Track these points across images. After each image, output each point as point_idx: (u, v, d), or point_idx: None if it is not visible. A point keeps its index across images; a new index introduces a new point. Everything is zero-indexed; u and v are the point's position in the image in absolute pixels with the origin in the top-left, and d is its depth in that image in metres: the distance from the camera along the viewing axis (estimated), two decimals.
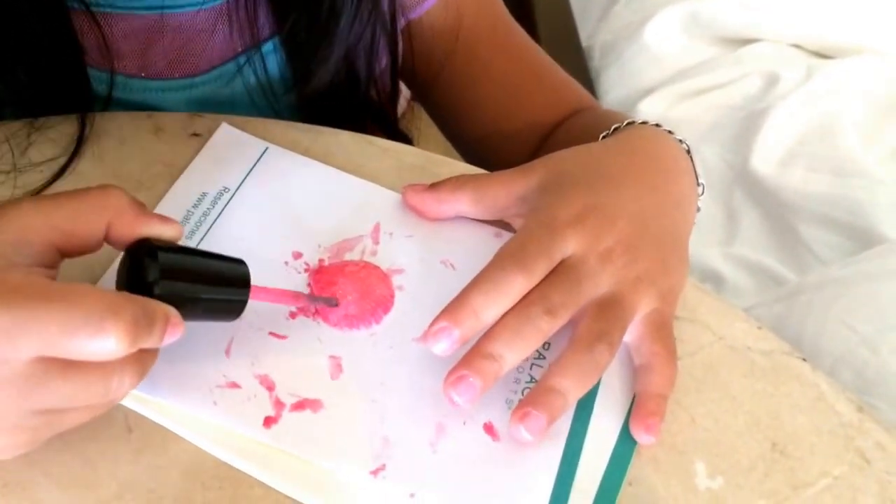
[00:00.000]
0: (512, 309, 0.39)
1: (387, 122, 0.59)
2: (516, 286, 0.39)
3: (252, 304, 0.41)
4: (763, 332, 0.46)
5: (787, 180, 0.83)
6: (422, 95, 0.64)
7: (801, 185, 0.83)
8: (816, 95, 0.89)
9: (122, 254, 0.36)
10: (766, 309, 0.70)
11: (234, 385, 0.39)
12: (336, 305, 0.42)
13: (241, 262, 0.38)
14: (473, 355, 0.38)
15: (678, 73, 0.96)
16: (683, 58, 0.97)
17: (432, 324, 0.39)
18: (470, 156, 0.64)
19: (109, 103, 0.50)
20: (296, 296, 0.40)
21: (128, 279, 0.36)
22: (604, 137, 0.50)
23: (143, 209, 0.37)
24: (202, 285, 0.36)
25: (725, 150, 0.90)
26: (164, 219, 0.37)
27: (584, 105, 0.61)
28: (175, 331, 0.34)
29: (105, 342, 0.31)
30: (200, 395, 0.39)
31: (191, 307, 0.35)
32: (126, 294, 0.33)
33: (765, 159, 0.86)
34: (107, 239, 0.36)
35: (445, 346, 0.38)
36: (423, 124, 0.68)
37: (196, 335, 0.40)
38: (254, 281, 0.38)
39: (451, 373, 0.38)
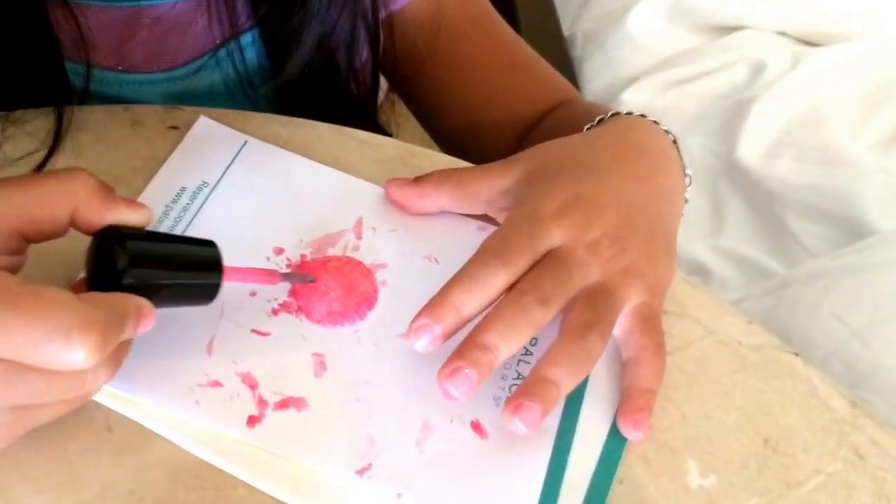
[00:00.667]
0: (505, 299, 0.39)
1: (367, 115, 0.58)
2: (497, 281, 0.39)
3: (234, 301, 0.40)
4: (753, 327, 0.45)
5: (774, 171, 0.83)
6: (402, 88, 0.63)
7: (788, 176, 0.82)
8: (803, 84, 0.89)
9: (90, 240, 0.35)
10: (754, 302, 0.69)
11: (217, 384, 0.38)
12: (313, 281, 0.41)
13: (211, 244, 0.37)
14: (468, 346, 0.37)
15: (662, 62, 0.96)
16: (668, 46, 0.97)
17: (413, 321, 0.38)
18: (451, 149, 0.63)
19: (86, 97, 0.49)
20: (270, 274, 0.39)
21: (96, 267, 0.35)
22: (588, 129, 0.50)
23: (111, 193, 0.36)
24: (173, 271, 0.35)
25: (711, 141, 0.90)
26: (131, 203, 0.36)
27: (568, 98, 0.60)
28: (147, 322, 0.34)
29: (74, 355, 0.30)
30: (182, 394, 0.38)
31: (162, 294, 0.35)
32: (97, 298, 0.32)
33: (751, 149, 0.85)
34: (73, 224, 0.35)
35: (426, 342, 0.38)
36: (402, 118, 0.67)
37: (177, 333, 0.39)
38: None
39: (445, 365, 0.37)
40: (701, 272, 0.79)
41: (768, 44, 0.96)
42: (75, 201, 0.34)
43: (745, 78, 0.92)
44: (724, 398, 0.43)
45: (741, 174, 0.85)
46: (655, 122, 0.50)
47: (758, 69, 0.92)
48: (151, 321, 0.34)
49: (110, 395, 0.37)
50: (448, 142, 0.63)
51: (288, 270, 0.41)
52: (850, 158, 0.81)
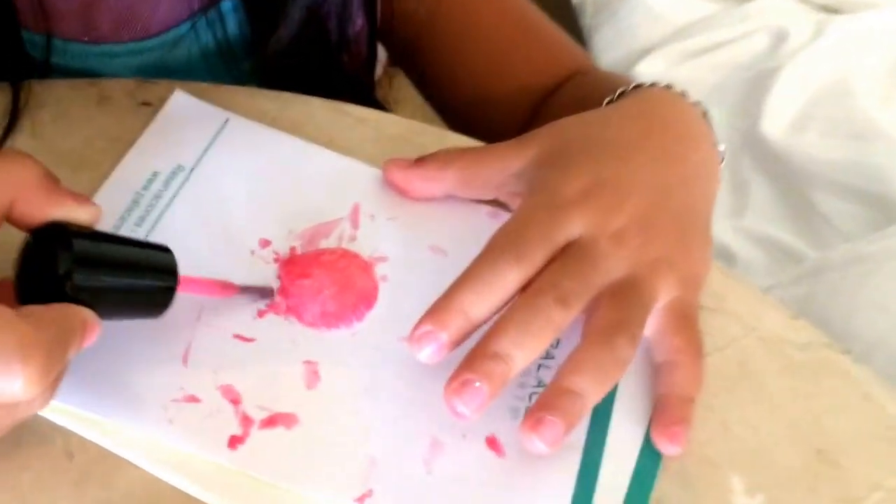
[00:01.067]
0: (518, 300, 0.34)
1: (362, 90, 0.53)
2: (511, 279, 0.34)
3: (213, 302, 0.35)
4: (799, 322, 0.41)
5: (800, 146, 0.78)
6: (403, 58, 0.58)
7: (816, 151, 0.77)
8: (828, 53, 0.84)
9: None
10: (785, 290, 0.65)
11: (193, 399, 0.33)
12: (272, 297, 0.36)
13: (165, 250, 0.33)
14: (478, 356, 0.33)
15: (678, 31, 0.90)
16: (684, 14, 0.91)
17: (415, 327, 0.34)
18: (456, 125, 0.59)
19: (48, 72, 0.44)
20: (224, 286, 0.35)
21: (31, 269, 0.30)
22: (608, 103, 0.45)
23: (56, 185, 0.31)
24: (123, 279, 0.31)
25: (732, 114, 0.85)
26: (79, 198, 0.31)
27: (583, 67, 0.55)
28: (92, 336, 0.30)
29: (11, 385, 0.26)
30: (153, 411, 0.33)
31: (108, 303, 0.30)
32: (39, 315, 0.28)
33: (775, 123, 0.80)
34: (9, 218, 0.30)
35: (431, 352, 0.33)
36: (401, 94, 0.62)
37: (147, 340, 0.34)
38: (218, 274, 0.33)
39: (452, 378, 0.33)
40: (724, 255, 0.74)
41: (789, 11, 0.91)
42: (14, 192, 0.30)
43: (766, 47, 0.87)
44: (769, 404, 0.38)
45: (764, 149, 0.80)
46: (682, 92, 0.45)
47: (779, 38, 0.87)
48: (96, 335, 0.30)
49: (69, 415, 0.32)
50: (454, 117, 0.58)
51: (249, 284, 0.36)
52: (881, 131, 0.76)
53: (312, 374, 0.35)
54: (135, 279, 0.31)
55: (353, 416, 0.34)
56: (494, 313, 0.34)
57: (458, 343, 0.34)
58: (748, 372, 0.39)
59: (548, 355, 0.37)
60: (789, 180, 0.79)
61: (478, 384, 0.32)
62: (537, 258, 0.35)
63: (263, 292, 0.36)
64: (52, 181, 0.31)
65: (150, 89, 0.43)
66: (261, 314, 0.36)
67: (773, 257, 0.73)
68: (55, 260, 0.29)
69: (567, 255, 0.36)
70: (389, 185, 0.41)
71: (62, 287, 0.29)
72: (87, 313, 0.29)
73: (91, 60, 0.46)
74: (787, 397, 0.38)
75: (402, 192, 0.41)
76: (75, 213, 0.31)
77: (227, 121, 0.42)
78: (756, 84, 0.85)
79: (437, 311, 0.34)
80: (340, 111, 0.44)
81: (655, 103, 0.43)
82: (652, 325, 0.37)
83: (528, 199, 0.38)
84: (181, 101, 0.42)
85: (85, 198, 0.31)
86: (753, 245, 0.74)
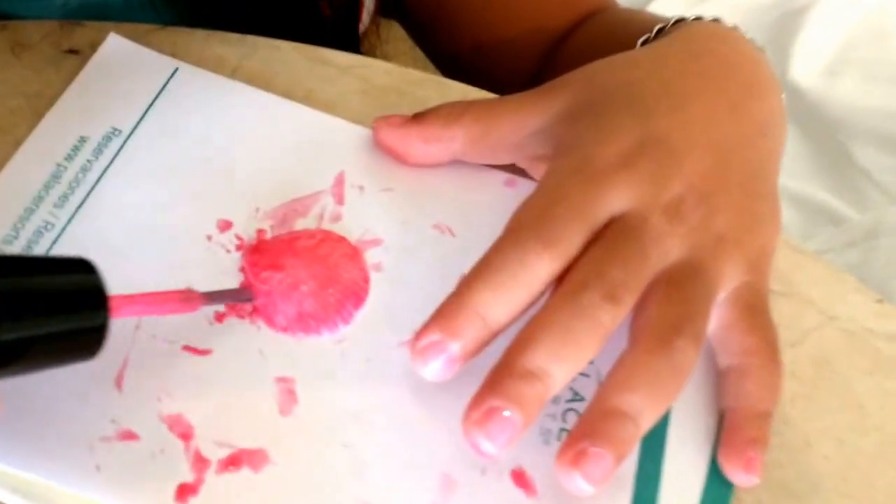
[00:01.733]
0: (554, 298, 0.27)
1: (344, 40, 0.45)
2: (540, 270, 0.27)
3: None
4: (885, 307, 0.33)
5: (836, 93, 0.70)
6: (394, 1, 0.49)
7: (854, 98, 0.70)
8: None
9: None
10: (834, 256, 0.57)
11: (130, 435, 0.26)
12: (250, 300, 0.28)
13: (84, 264, 0.24)
14: (504, 375, 0.26)
15: None
16: None
17: (418, 335, 0.26)
18: (455, 75, 0.50)
19: None
20: (185, 297, 0.26)
21: None
22: (644, 43, 0.37)
23: None
24: (33, 318, 0.22)
25: None
26: None
27: (602, 4, 0.47)
28: None
29: None
30: (75, 455, 0.25)
31: (18, 358, 0.21)
32: None
33: (806, 69, 0.73)
34: None
35: (439, 367, 0.26)
36: (392, 48, 0.54)
37: None
38: (158, 272, 0.25)
39: (473, 405, 0.25)
40: None
41: None
42: None
43: None
44: (857, 412, 0.31)
45: (795, 98, 0.73)
46: (735, 27, 0.37)
47: None
48: None
49: None
50: (452, 65, 0.50)
51: (218, 289, 0.28)
52: None
53: (287, 396, 0.27)
54: (49, 314, 0.22)
55: (340, 449, 0.27)
56: (519, 316, 0.27)
57: (473, 355, 0.26)
58: (829, 371, 0.31)
59: None
60: (824, 132, 0.71)
61: (507, 413, 0.25)
62: (573, 242, 0.28)
63: (239, 296, 0.28)
64: None
65: (78, 33, 0.34)
66: (219, 318, 0.28)
67: (807, 218, 0.66)
68: None
69: (610, 237, 0.28)
70: (381, 148, 0.33)
71: None
72: None
73: (8, 5, 0.37)
74: (877, 403, 0.31)
75: (397, 158, 0.33)
76: None
77: (175, 71, 0.34)
78: (782, 26, 0.77)
79: (445, 313, 0.26)
80: (318, 58, 0.36)
81: (709, 41, 0.35)
82: (715, 320, 0.30)
83: (556, 165, 0.30)
84: (116, 47, 0.34)
85: None
86: (786, 204, 0.66)
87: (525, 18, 0.47)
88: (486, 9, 0.47)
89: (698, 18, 0.38)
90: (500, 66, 0.48)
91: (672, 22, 0.37)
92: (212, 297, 0.27)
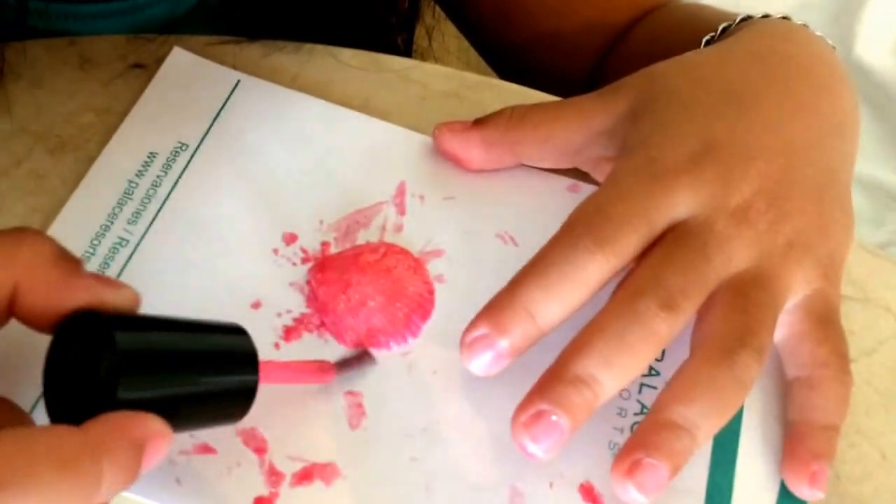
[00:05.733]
0: (610, 303, 0.27)
1: (394, 41, 0.44)
2: (592, 271, 0.27)
3: (228, 318, 0.28)
4: None
5: None
6: None
7: None
8: None
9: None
10: None
11: (207, 449, 0.26)
12: (375, 363, 0.28)
13: (239, 331, 0.24)
14: (554, 379, 0.26)
15: None
16: None
17: (468, 329, 0.26)
18: (509, 72, 0.50)
19: (22, 38, 0.36)
20: (321, 367, 0.27)
21: (63, 379, 0.22)
22: (708, 42, 0.36)
23: (75, 267, 0.23)
24: (188, 381, 0.23)
25: None
26: (107, 281, 0.23)
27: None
28: (159, 453, 0.21)
29: None
30: (158, 469, 0.26)
31: (170, 413, 0.22)
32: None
33: (874, 45, 0.70)
34: (13, 312, 0.23)
35: (487, 362, 0.26)
36: (441, 51, 0.53)
37: None
38: (229, 286, 0.26)
39: (521, 407, 0.26)
40: None
41: None
42: (18, 275, 0.22)
43: None
44: None
45: (863, 78, 0.70)
46: (805, 25, 0.36)
47: None
48: (167, 448, 0.22)
49: None
50: (507, 63, 0.49)
51: (345, 356, 0.28)
52: None
53: (356, 410, 0.28)
54: (204, 378, 0.23)
55: (409, 463, 0.27)
56: (570, 315, 0.27)
57: (521, 351, 0.26)
58: None
59: (651, 371, 0.29)
60: (894, 112, 0.69)
61: (554, 417, 0.25)
62: (629, 244, 0.27)
63: (362, 360, 0.28)
64: (68, 262, 0.23)
65: (144, 47, 0.35)
66: (288, 334, 0.29)
67: (879, 204, 0.63)
68: (94, 360, 0.21)
69: (672, 242, 0.28)
70: (443, 154, 0.33)
71: (111, 396, 0.21)
72: (153, 422, 0.21)
73: (74, 23, 0.38)
74: None
75: (459, 164, 0.33)
76: (107, 299, 0.23)
77: (237, 83, 0.34)
78: (847, 1, 0.74)
79: (494, 308, 0.26)
80: (376, 64, 0.36)
81: (778, 40, 0.34)
82: (784, 329, 0.29)
83: (620, 165, 0.30)
84: (181, 62, 0.34)
85: (114, 281, 0.23)
86: (855, 190, 0.64)
87: (586, 11, 0.46)
88: (541, 4, 0.47)
89: (766, 16, 0.37)
90: (557, 61, 0.47)
91: (738, 20, 0.36)
92: (342, 364, 0.28)
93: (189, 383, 0.23)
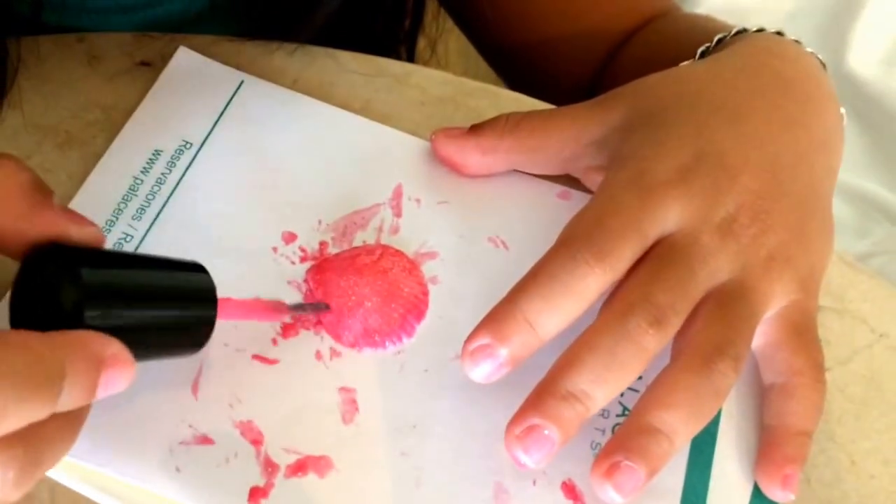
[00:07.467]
0: (600, 320, 0.28)
1: (398, 45, 0.45)
2: (591, 284, 0.28)
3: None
4: None
5: None
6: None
7: None
8: None
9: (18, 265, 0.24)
10: (890, 259, 0.57)
11: (205, 440, 0.27)
12: (327, 310, 0.30)
13: (199, 269, 0.26)
14: (547, 394, 0.27)
15: None
16: None
17: (469, 338, 0.27)
18: (511, 76, 0.51)
19: (36, 31, 0.37)
20: (276, 307, 0.28)
21: (30, 307, 0.23)
22: (703, 54, 0.37)
23: (45, 199, 0.24)
24: (148, 312, 0.24)
25: (812, 47, 0.74)
26: (73, 216, 0.25)
27: (663, 7, 0.47)
28: (120, 375, 0.23)
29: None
30: (156, 457, 0.27)
31: (133, 344, 0.23)
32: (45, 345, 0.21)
33: (865, 58, 0.70)
34: None
35: (487, 370, 0.27)
36: (443, 55, 0.54)
37: (147, 367, 0.28)
38: (228, 283, 0.26)
39: (515, 420, 0.26)
40: None
41: None
42: None
43: None
44: None
45: (852, 89, 0.71)
46: (797, 41, 0.37)
47: None
48: (129, 375, 0.23)
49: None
50: (509, 70, 0.50)
51: (300, 302, 0.30)
52: None
53: (350, 406, 0.29)
54: (164, 310, 0.25)
55: (400, 458, 0.28)
56: (569, 326, 0.28)
57: (521, 360, 0.27)
58: (879, 391, 0.32)
59: None
60: (883, 123, 0.70)
61: (547, 431, 0.26)
62: (624, 256, 0.28)
63: (317, 307, 0.30)
64: (40, 193, 0.24)
65: (150, 45, 0.36)
66: (285, 331, 0.30)
67: (863, 214, 0.64)
68: (60, 291, 0.23)
69: (660, 257, 0.29)
70: (440, 159, 0.34)
71: (74, 325, 0.22)
72: (114, 345, 0.22)
73: (86, 18, 0.38)
74: None
75: (455, 169, 0.34)
76: (71, 234, 0.24)
77: (241, 83, 0.35)
78: (840, 10, 0.75)
79: (495, 318, 0.27)
80: (377, 68, 0.37)
81: (768, 55, 0.35)
82: (762, 338, 0.30)
83: (612, 177, 0.31)
84: (186, 61, 0.35)
85: (81, 217, 0.25)
86: (840, 199, 0.65)
87: (588, 19, 0.46)
88: (544, 10, 0.47)
89: (761, 30, 0.37)
90: (559, 67, 0.47)
91: (734, 32, 0.37)
92: (296, 308, 0.29)
93: (151, 315, 0.24)
